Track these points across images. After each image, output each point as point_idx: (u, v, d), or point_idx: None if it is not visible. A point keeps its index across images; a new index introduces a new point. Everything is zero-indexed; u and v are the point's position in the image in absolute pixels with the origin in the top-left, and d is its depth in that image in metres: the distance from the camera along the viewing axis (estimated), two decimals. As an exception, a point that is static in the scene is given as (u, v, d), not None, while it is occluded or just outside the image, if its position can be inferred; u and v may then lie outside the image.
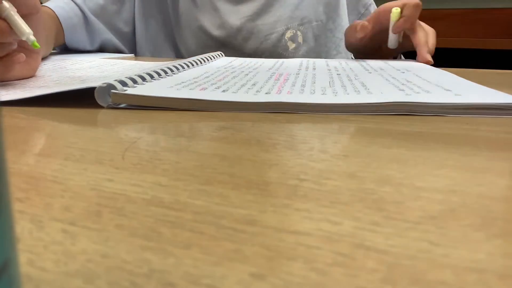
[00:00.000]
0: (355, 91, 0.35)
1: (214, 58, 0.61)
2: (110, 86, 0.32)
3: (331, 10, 0.77)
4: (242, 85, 0.38)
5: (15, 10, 0.39)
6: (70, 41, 0.75)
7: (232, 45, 0.76)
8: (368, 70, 0.49)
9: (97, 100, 0.32)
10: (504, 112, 0.30)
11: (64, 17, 0.71)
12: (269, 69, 0.51)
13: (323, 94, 0.34)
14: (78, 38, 0.75)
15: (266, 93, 0.34)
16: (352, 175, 0.19)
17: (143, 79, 0.38)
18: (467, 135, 0.25)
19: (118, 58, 0.68)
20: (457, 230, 0.14)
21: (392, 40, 0.62)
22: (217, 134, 0.25)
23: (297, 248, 0.13)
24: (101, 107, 0.32)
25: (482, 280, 0.12)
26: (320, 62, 0.61)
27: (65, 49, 0.79)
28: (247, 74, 0.45)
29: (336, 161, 0.21)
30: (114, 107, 0.32)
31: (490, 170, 0.20)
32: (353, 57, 0.73)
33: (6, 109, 0.32)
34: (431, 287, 0.11)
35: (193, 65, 0.51)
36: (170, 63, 0.46)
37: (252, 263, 0.12)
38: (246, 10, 0.75)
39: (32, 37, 0.39)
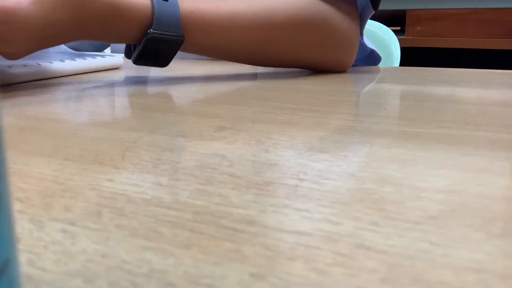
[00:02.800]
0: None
1: None
2: None
3: None
4: None
5: None
6: None
7: None
8: None
9: None
10: None
11: None
12: None
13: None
14: None
15: None
16: (352, 175, 0.19)
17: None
18: (467, 135, 0.25)
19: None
20: (457, 230, 0.14)
21: None
22: (217, 134, 0.25)
23: (297, 248, 0.13)
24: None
25: (482, 280, 0.12)
26: None
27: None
28: None
29: (336, 161, 0.21)
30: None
31: (490, 170, 0.20)
32: None
33: (6, 109, 0.32)
34: (431, 287, 0.11)
35: None
36: None
37: (252, 263, 0.12)
38: None
39: None
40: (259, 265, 0.12)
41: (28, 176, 0.19)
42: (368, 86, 0.43)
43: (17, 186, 0.18)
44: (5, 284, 0.08)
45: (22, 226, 0.14)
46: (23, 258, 0.13)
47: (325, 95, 0.38)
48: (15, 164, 0.20)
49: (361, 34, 0.59)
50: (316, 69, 0.53)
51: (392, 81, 0.47)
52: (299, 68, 0.53)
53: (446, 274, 0.12)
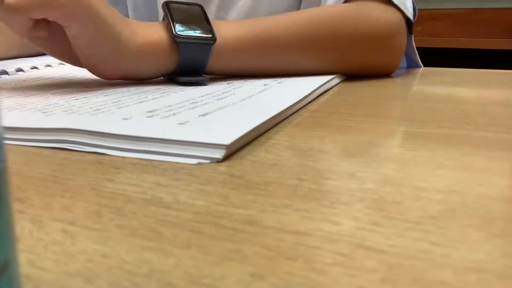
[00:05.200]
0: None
1: None
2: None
3: None
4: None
5: None
6: None
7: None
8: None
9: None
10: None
11: None
12: None
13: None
14: None
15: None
16: (352, 175, 0.19)
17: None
18: (467, 135, 0.25)
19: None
20: (457, 230, 0.14)
21: None
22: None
23: (297, 248, 0.13)
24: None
25: (482, 280, 0.12)
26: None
27: None
28: None
29: (336, 161, 0.21)
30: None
31: (490, 170, 0.20)
32: None
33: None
34: (431, 287, 0.11)
35: None
36: None
37: (252, 263, 0.12)
38: None
39: None
40: (259, 265, 0.12)
41: (28, 176, 0.19)
42: (368, 86, 0.43)
43: (17, 186, 0.18)
44: (5, 284, 0.08)
45: (22, 226, 0.14)
46: (23, 258, 0.13)
47: (325, 94, 0.38)
48: (15, 164, 0.20)
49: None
50: (362, 75, 0.48)
51: (392, 81, 0.47)
52: (345, 73, 0.48)
53: (446, 274, 0.12)
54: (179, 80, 0.38)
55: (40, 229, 0.14)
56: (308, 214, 0.15)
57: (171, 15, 0.38)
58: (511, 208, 0.16)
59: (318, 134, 0.25)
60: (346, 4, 0.46)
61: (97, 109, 0.27)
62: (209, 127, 0.23)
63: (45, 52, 0.38)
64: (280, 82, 0.39)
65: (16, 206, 0.16)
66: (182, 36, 0.37)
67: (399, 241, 0.13)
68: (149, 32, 0.37)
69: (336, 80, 0.43)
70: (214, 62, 0.39)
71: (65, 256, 0.13)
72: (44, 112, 0.26)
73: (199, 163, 0.20)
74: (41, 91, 0.34)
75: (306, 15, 0.44)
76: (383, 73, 0.50)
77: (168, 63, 0.38)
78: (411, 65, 0.60)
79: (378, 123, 0.28)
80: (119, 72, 0.37)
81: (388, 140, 0.24)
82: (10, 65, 0.48)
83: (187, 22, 0.38)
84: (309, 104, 0.34)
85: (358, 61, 0.47)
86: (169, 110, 0.27)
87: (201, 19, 0.39)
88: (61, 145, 0.22)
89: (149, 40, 0.37)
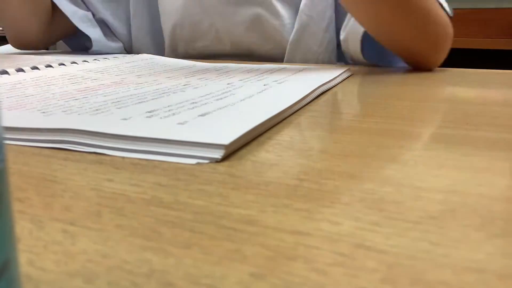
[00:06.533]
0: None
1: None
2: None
3: None
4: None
5: None
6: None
7: None
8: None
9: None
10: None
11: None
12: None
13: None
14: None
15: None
16: (352, 175, 0.19)
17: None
18: (467, 135, 0.25)
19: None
20: (457, 230, 0.14)
21: None
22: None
23: (297, 248, 0.13)
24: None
25: (482, 280, 0.12)
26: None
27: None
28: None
29: (336, 161, 0.21)
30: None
31: (490, 170, 0.20)
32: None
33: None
34: (431, 287, 0.11)
35: None
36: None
37: (252, 263, 0.12)
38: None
39: None
40: (259, 265, 0.12)
41: (28, 176, 0.19)
42: (368, 86, 0.43)
43: (17, 186, 0.18)
44: (5, 284, 0.08)
45: (22, 226, 0.14)
46: (23, 258, 0.13)
47: (325, 94, 0.38)
48: (15, 164, 0.20)
49: None
50: (409, 60, 0.52)
51: (392, 81, 0.47)
52: (397, 53, 0.51)
53: (446, 274, 0.12)
54: None
55: (40, 229, 0.14)
56: (308, 214, 0.15)
57: None
58: (511, 208, 0.16)
59: (318, 134, 0.25)
60: None
61: (97, 110, 0.27)
62: (209, 127, 0.23)
63: None
64: (280, 82, 0.39)
65: (16, 206, 0.16)
66: None
67: (399, 241, 0.13)
68: None
69: (337, 80, 0.43)
70: None
71: (65, 256, 0.13)
72: (44, 112, 0.26)
73: (198, 163, 0.20)
74: (41, 91, 0.34)
75: None
76: (425, 65, 0.52)
77: None
78: None
79: (378, 123, 0.28)
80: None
81: (388, 140, 0.24)
82: (10, 65, 0.48)
83: None
84: (309, 104, 0.34)
85: (421, 41, 0.49)
86: (169, 110, 0.27)
87: None
88: (61, 145, 0.23)
89: None
